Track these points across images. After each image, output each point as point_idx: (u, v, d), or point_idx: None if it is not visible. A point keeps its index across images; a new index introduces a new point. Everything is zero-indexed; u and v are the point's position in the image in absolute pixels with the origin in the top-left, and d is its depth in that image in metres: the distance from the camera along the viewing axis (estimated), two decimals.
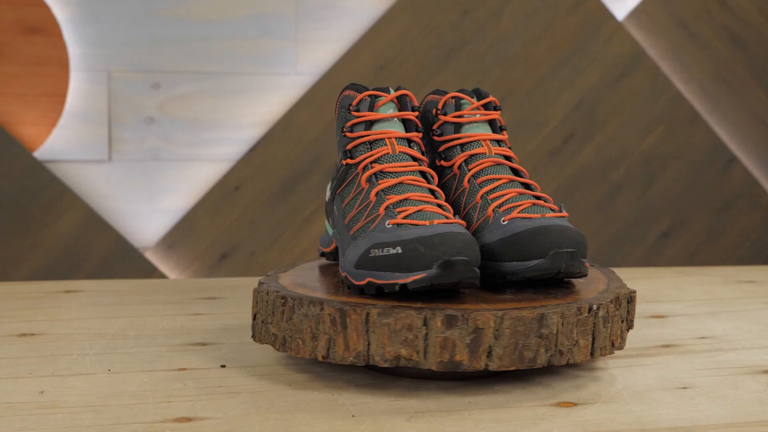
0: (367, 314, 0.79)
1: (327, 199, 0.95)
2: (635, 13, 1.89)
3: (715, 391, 0.86)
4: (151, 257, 1.78)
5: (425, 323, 0.79)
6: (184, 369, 0.87)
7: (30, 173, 1.71)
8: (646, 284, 1.29)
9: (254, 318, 0.86)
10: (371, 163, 0.89)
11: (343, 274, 0.86)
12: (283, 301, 0.82)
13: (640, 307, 1.14)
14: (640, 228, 1.93)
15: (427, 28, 1.83)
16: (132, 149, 1.77)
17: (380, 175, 0.88)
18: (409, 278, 0.80)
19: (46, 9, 1.72)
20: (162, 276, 1.77)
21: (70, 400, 0.77)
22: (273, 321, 0.83)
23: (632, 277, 1.38)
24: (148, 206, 1.78)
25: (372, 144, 0.90)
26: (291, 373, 0.87)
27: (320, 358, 0.81)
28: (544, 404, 0.82)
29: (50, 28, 1.72)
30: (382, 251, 0.82)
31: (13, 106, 1.72)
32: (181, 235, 1.79)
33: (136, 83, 1.77)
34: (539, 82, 1.87)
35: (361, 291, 0.84)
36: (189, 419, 0.74)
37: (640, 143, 1.91)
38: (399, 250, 0.81)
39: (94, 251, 1.75)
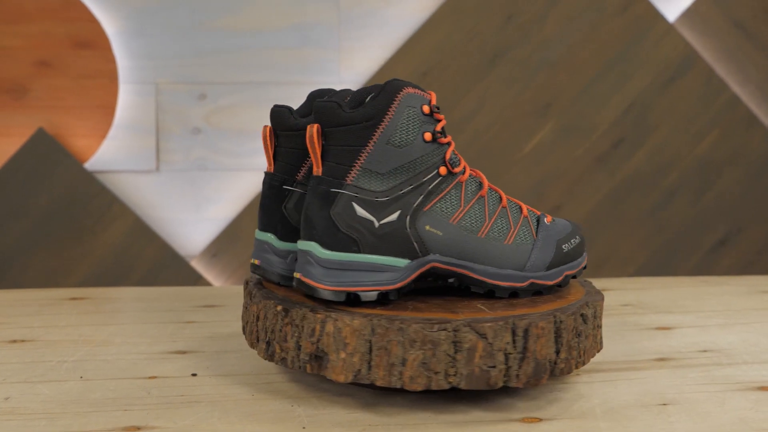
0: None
1: (379, 224, 0.80)
2: (687, 14, 1.83)
3: (697, 408, 0.83)
4: (197, 265, 1.81)
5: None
6: (155, 377, 0.88)
7: (80, 184, 1.76)
8: (663, 294, 1.25)
9: (506, 359, 0.78)
10: (470, 170, 0.87)
11: (527, 282, 0.86)
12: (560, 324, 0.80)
13: (647, 318, 1.10)
14: (694, 236, 1.86)
15: (470, 34, 1.81)
16: (179, 159, 1.81)
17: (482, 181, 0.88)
18: (585, 259, 0.93)
19: (96, 24, 1.77)
20: (207, 284, 1.80)
21: (30, 407, 0.79)
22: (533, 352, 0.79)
23: (648, 287, 1.34)
24: (194, 215, 1.82)
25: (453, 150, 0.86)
26: (259, 383, 0.87)
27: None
28: (507, 419, 0.80)
29: (100, 42, 1.77)
30: (570, 244, 0.90)
31: (65, 119, 1.78)
32: (226, 244, 1.81)
33: (182, 95, 1.80)
34: (586, 86, 1.83)
35: (552, 288, 0.90)
36: (138, 428, 0.75)
37: (693, 148, 1.85)
38: (578, 238, 0.91)
39: (142, 259, 1.79)
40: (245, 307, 0.88)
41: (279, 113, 0.89)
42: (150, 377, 0.88)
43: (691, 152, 1.85)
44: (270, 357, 0.82)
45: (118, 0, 1.77)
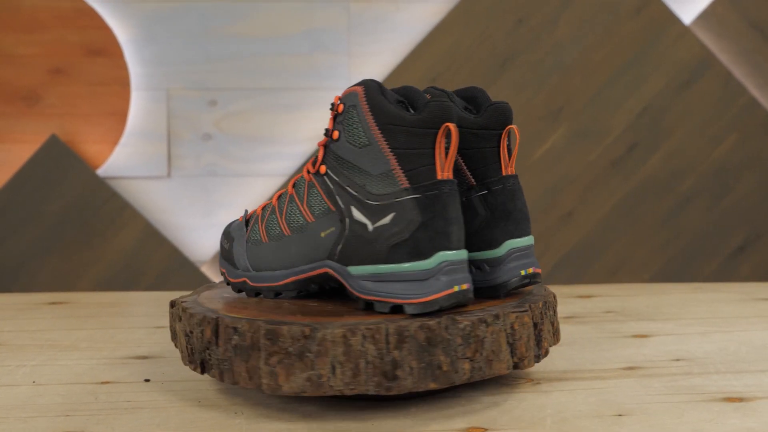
0: None
1: None
2: (704, 16, 1.79)
3: (653, 419, 0.80)
4: (207, 271, 1.81)
5: None
6: (108, 382, 0.88)
7: (92, 189, 1.78)
8: (649, 301, 1.21)
9: None
10: None
11: None
12: None
13: (626, 326, 1.07)
14: (711, 242, 1.81)
15: (480, 38, 1.79)
16: (190, 165, 1.82)
17: None
18: None
19: (108, 31, 1.78)
20: None
21: None
22: None
23: (636, 294, 1.30)
24: (204, 221, 1.82)
25: None
26: (209, 389, 0.86)
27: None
28: (451, 429, 0.78)
29: (112, 50, 1.79)
30: None
31: (78, 125, 1.80)
32: None
33: (193, 101, 1.81)
34: (600, 89, 1.79)
35: None
36: None
37: (710, 152, 1.81)
38: None
39: (152, 265, 1.80)
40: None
41: (452, 109, 0.79)
42: (103, 382, 0.88)
43: (708, 157, 1.80)
44: None
45: (130, 8, 1.79)
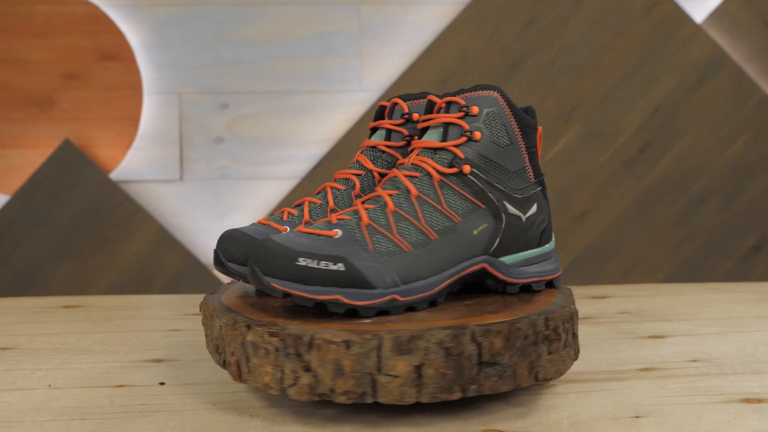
0: None
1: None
2: (716, 15, 1.78)
3: (671, 421, 0.80)
4: (220, 274, 1.82)
5: None
6: (123, 386, 0.88)
7: (105, 193, 1.78)
8: (664, 301, 1.21)
9: None
10: None
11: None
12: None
13: (641, 326, 1.07)
14: (726, 242, 1.81)
15: (491, 40, 1.79)
16: (202, 168, 1.82)
17: None
18: None
19: (121, 36, 1.79)
20: None
21: None
22: None
23: (651, 294, 1.30)
24: (217, 224, 1.83)
25: None
26: (225, 392, 0.86)
27: None
28: (466, 431, 0.78)
29: (124, 54, 1.80)
30: None
31: (91, 130, 1.80)
32: None
33: (205, 104, 1.81)
34: (611, 90, 1.79)
35: None
36: None
37: (724, 152, 1.80)
38: None
39: (165, 268, 1.80)
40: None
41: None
42: (118, 386, 0.88)
43: (721, 156, 1.80)
44: None
45: (142, 13, 1.79)
